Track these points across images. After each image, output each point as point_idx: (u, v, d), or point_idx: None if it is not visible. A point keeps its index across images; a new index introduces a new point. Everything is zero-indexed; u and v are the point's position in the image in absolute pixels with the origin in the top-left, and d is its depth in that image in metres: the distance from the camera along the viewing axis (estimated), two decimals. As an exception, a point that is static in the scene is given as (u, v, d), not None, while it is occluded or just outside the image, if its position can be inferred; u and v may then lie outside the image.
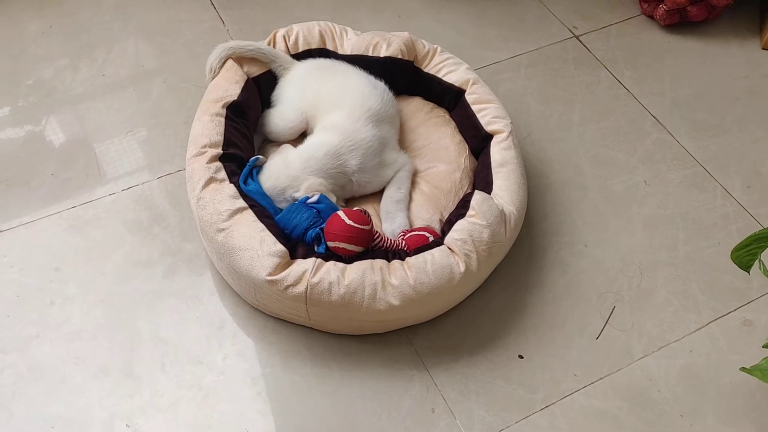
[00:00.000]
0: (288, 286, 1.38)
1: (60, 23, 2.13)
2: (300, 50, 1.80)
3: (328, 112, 1.65)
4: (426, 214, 1.61)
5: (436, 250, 1.44)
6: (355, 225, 1.42)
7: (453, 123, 1.79)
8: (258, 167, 1.59)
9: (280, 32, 1.81)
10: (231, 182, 1.49)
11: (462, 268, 1.43)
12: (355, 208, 1.48)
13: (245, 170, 1.55)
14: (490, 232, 1.46)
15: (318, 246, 1.46)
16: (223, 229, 1.43)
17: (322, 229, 1.45)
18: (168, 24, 2.15)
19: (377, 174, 1.62)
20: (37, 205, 1.70)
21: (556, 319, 1.58)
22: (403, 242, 1.52)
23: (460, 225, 1.47)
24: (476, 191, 1.51)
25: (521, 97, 2.03)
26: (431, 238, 1.51)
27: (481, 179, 1.63)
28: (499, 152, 1.63)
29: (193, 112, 1.65)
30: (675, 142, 1.95)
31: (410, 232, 1.55)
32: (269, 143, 1.75)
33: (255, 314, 1.54)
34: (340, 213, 1.43)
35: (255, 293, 1.46)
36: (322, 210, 1.48)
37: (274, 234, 1.42)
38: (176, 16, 2.18)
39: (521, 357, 1.52)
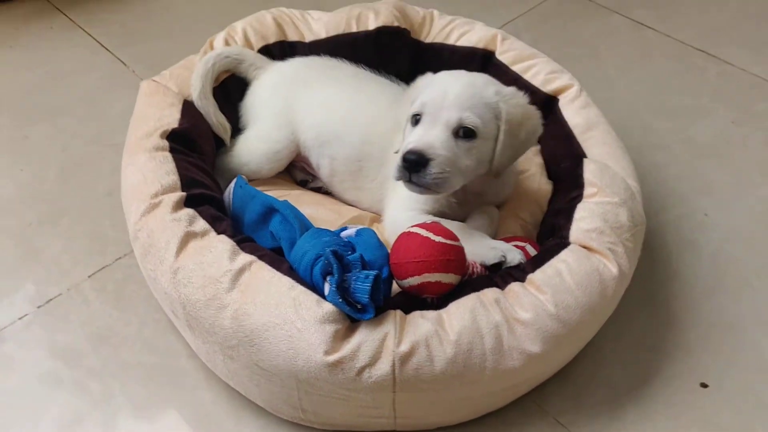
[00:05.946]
0: (363, 368, 0.83)
1: None
2: (255, 49, 1.29)
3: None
4: (504, 224, 1.10)
5: (565, 254, 0.93)
6: (447, 241, 0.89)
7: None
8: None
9: (219, 37, 1.29)
10: (220, 232, 0.94)
11: (614, 269, 0.92)
12: (429, 221, 0.94)
13: (249, 191, 1.02)
14: (627, 211, 0.98)
15: (330, 288, 0.85)
16: (228, 305, 0.87)
17: (354, 261, 0.87)
18: (51, 80, 1.57)
19: None
20: None
21: (721, 319, 1.11)
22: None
23: (585, 210, 0.97)
24: (586, 159, 1.03)
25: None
26: (531, 250, 1.00)
27: (565, 155, 1.14)
28: (577, 113, 1.17)
29: (115, 178, 1.10)
30: (740, 71, 1.56)
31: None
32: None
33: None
34: (417, 229, 0.90)
35: (300, 398, 0.91)
36: (356, 243, 0.92)
37: (307, 287, 0.88)
38: (59, 68, 1.60)
39: (704, 385, 1.03)
